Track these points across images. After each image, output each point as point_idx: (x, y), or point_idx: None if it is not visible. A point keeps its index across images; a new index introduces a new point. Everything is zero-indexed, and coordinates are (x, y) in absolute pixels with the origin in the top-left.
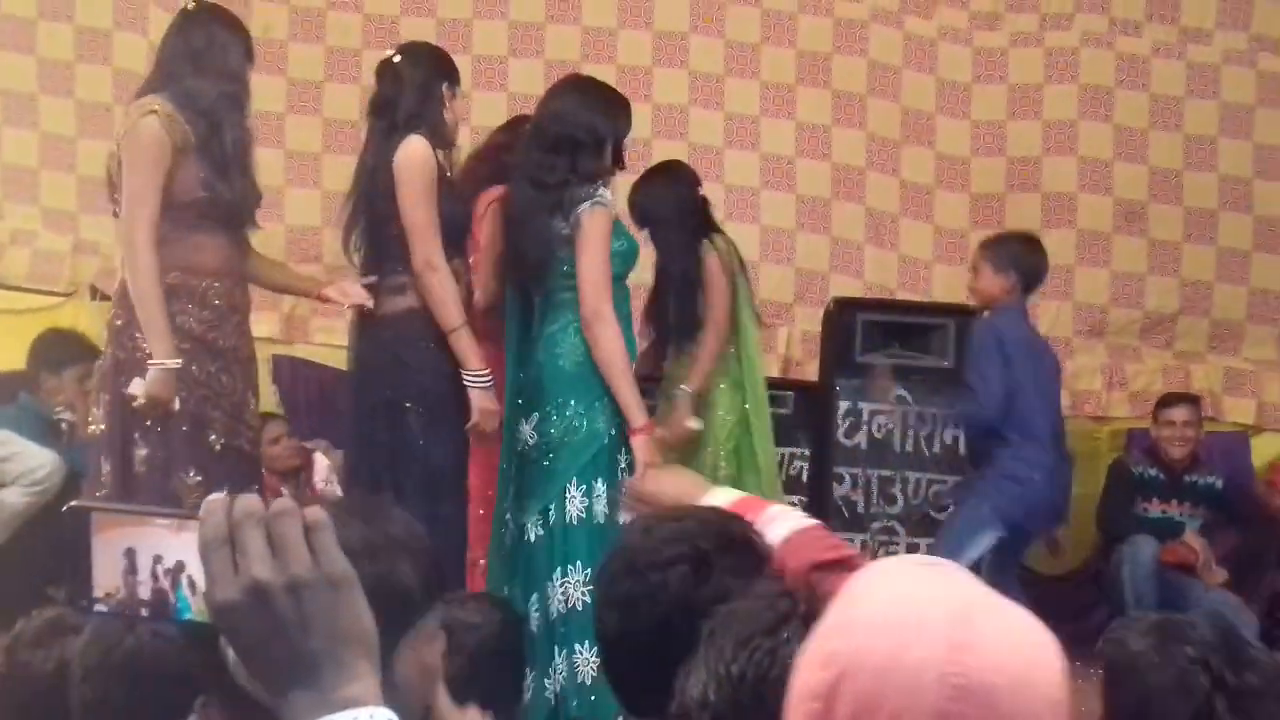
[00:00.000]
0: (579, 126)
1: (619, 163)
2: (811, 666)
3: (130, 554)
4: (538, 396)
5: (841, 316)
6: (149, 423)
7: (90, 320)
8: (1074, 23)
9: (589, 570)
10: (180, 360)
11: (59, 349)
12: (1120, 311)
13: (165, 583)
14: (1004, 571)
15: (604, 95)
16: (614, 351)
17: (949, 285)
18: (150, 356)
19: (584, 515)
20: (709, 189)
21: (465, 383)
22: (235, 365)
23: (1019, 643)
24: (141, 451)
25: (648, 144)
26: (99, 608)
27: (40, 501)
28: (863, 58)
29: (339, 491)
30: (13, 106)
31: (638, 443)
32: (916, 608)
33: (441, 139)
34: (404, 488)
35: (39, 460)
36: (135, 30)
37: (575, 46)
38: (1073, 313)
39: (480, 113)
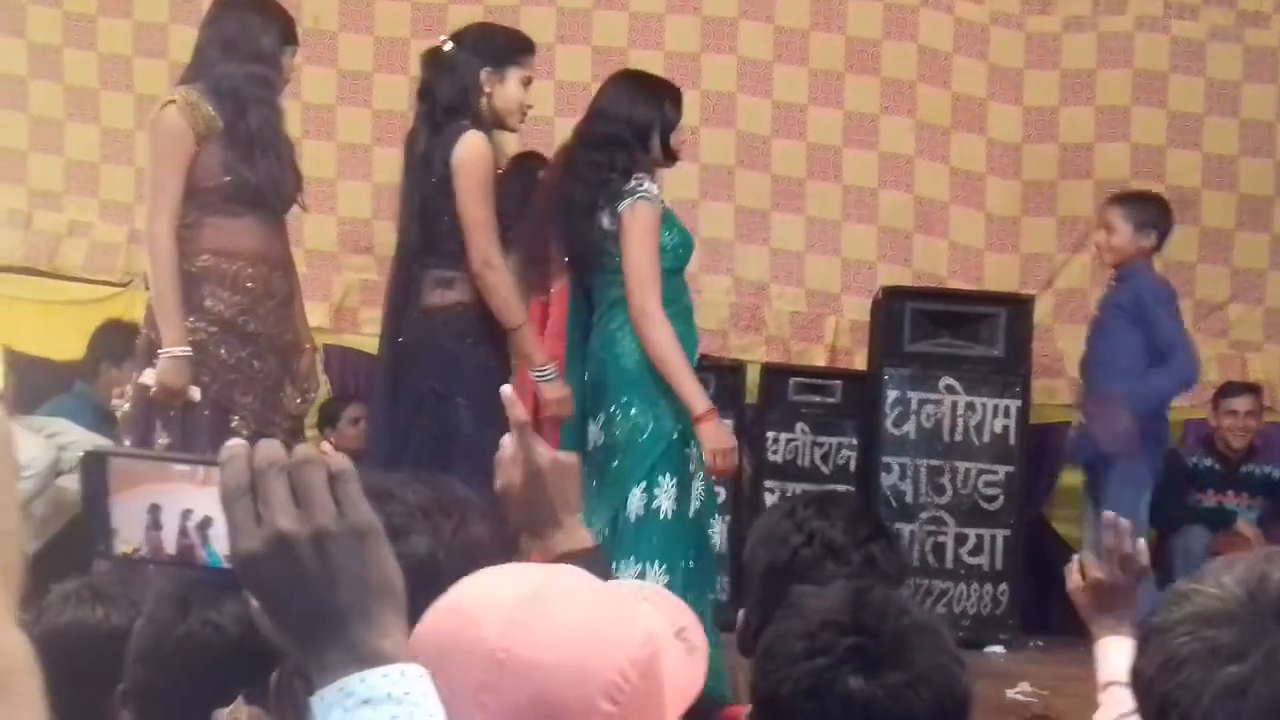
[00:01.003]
0: (618, 121)
1: (670, 154)
2: None
3: (154, 510)
4: (602, 397)
5: (890, 305)
6: (171, 412)
7: (144, 310)
8: (1128, 7)
9: (651, 566)
10: (190, 349)
11: (121, 340)
12: None
13: (194, 537)
14: None
15: (648, 85)
16: (665, 345)
17: (1001, 273)
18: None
19: (642, 513)
20: (757, 178)
21: (533, 378)
22: (270, 353)
23: (584, 627)
24: (162, 440)
25: (695, 131)
26: (120, 550)
27: None
28: (913, 43)
29: None
30: (75, 102)
31: (703, 430)
32: (488, 592)
33: (485, 127)
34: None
35: None
36: (191, 24)
37: (623, 33)
38: None
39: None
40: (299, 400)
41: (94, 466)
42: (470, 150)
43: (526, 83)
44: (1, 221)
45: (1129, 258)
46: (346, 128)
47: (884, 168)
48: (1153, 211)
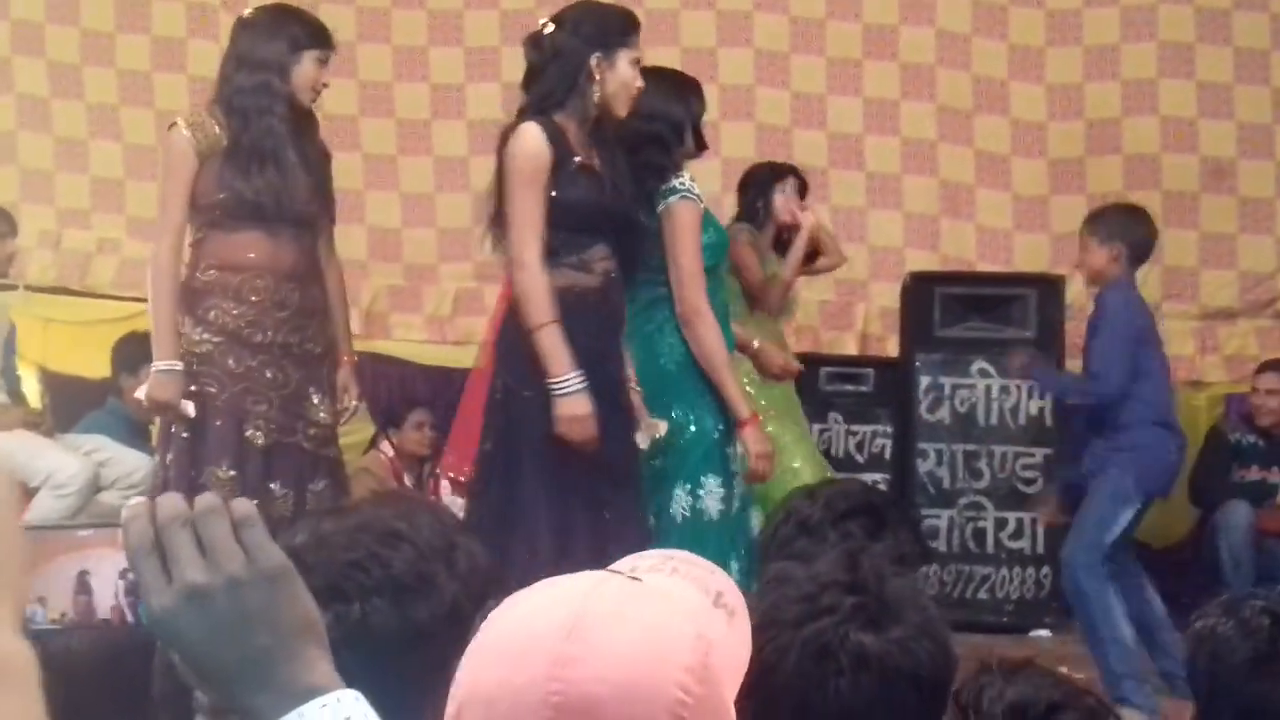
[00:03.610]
0: (654, 119)
1: (701, 145)
2: (449, 696)
3: (82, 575)
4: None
5: (919, 291)
6: (172, 425)
7: None
8: None
9: None
10: (180, 364)
11: (136, 349)
12: (1212, 273)
13: (124, 600)
14: (1125, 546)
15: (674, 81)
16: (714, 347)
17: (1030, 254)
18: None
19: (688, 514)
20: None
21: (549, 390)
22: (287, 360)
23: (633, 648)
24: (169, 454)
25: (715, 125)
26: (48, 618)
27: None
28: (930, 27)
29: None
30: (97, 120)
31: (747, 435)
32: (528, 629)
33: (580, 115)
34: (523, 478)
35: (134, 464)
36: (208, 37)
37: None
38: (1162, 276)
39: None
40: (328, 411)
41: None
42: (518, 143)
43: (635, 63)
44: (32, 242)
45: (1099, 273)
46: (370, 138)
47: (907, 153)
48: (1116, 221)
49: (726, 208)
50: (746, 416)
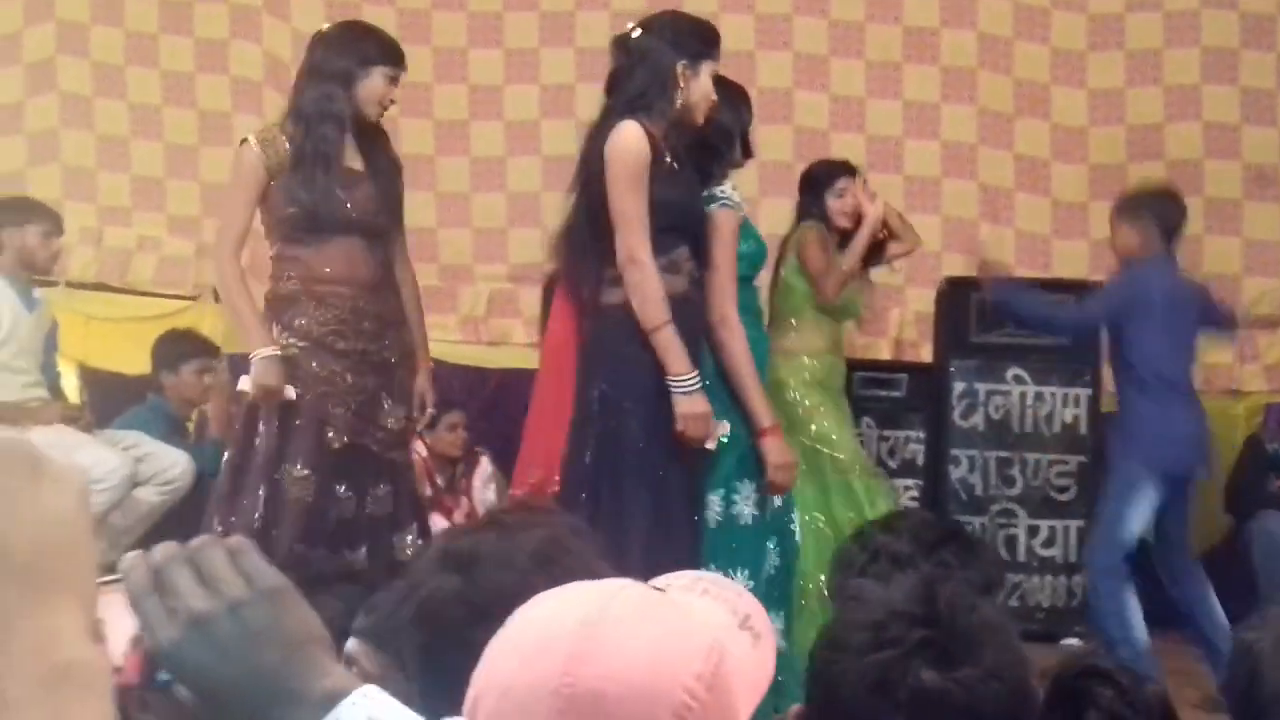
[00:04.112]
0: (708, 126)
1: (746, 153)
2: (470, 684)
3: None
4: None
5: (954, 296)
6: (259, 419)
7: (213, 322)
8: None
9: (728, 572)
10: (279, 349)
11: (175, 346)
12: (1254, 281)
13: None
14: (1175, 546)
15: (724, 89)
16: (740, 355)
17: (1069, 260)
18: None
19: (721, 518)
20: None
21: (669, 387)
22: (366, 367)
23: (646, 650)
24: (250, 448)
25: (753, 129)
26: None
27: (172, 501)
28: (972, 30)
29: (492, 496)
30: (140, 119)
31: (768, 444)
32: (546, 625)
33: (666, 119)
34: (624, 490)
35: (171, 460)
36: (250, 39)
37: None
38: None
39: (585, 106)
40: (398, 417)
41: None
42: (620, 140)
43: (713, 76)
44: (74, 240)
45: (1131, 252)
46: (409, 139)
47: (946, 157)
48: (1143, 201)
49: (764, 211)
50: (769, 425)
